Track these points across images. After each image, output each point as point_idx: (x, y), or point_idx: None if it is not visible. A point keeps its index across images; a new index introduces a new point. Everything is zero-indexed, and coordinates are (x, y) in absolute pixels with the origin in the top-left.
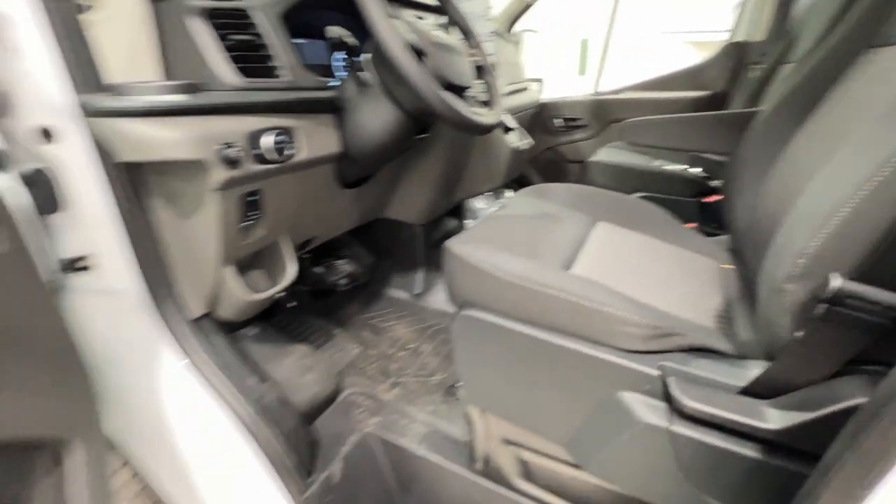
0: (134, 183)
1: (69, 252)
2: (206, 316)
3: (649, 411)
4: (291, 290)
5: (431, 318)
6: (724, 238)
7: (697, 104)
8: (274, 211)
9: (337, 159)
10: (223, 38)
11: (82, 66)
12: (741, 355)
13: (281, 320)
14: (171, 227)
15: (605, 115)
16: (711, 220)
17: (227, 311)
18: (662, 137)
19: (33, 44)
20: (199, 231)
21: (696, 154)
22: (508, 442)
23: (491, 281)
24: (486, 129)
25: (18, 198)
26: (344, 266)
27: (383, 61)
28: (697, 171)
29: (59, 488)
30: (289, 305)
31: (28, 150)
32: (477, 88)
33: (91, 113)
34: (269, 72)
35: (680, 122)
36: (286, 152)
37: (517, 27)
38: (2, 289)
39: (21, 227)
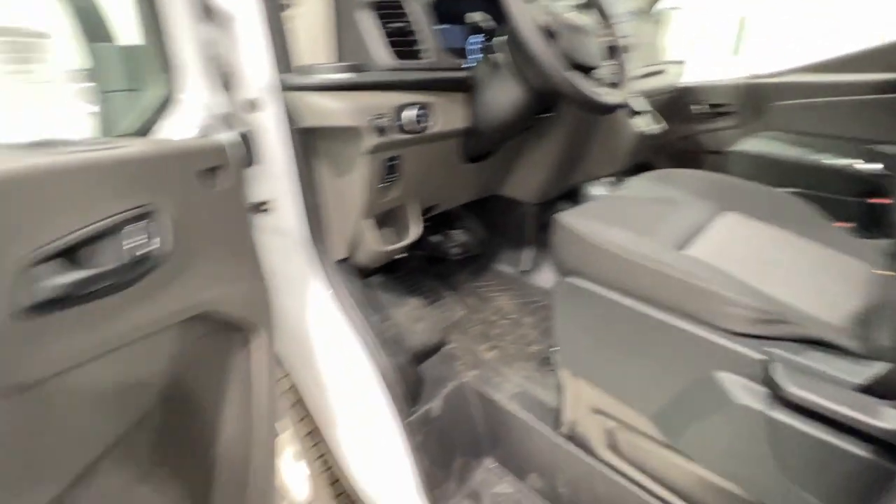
0: (306, 145)
1: (257, 197)
2: (346, 260)
3: (747, 394)
4: (410, 253)
5: (535, 295)
6: (887, 242)
7: (882, 89)
8: (408, 175)
9: (464, 134)
10: (383, 25)
11: (282, 52)
12: (866, 355)
13: (400, 276)
14: (328, 182)
15: (758, 100)
16: (876, 223)
17: (362, 258)
18: (833, 124)
19: (250, 35)
20: (349, 187)
21: (876, 148)
22: (597, 411)
23: (595, 251)
24: (607, 109)
25: (237, 151)
26: (459, 236)
27: (515, 42)
28: (875, 167)
29: (246, 362)
30: (407, 265)
31: (240, 117)
32: (607, 69)
33: (286, 88)
34: (416, 54)
35: (858, 105)
36: (424, 124)
37: (661, 5)
38: (225, 212)
39: (238, 172)
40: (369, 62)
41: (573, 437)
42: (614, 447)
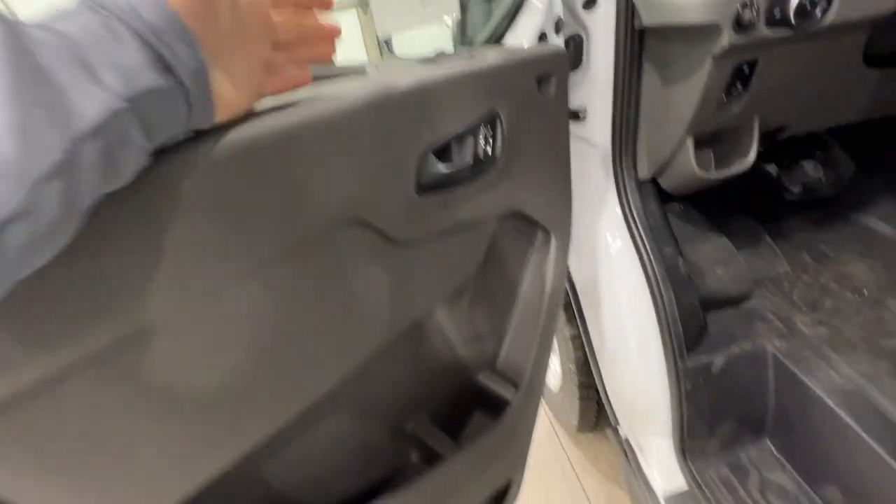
0: (634, 49)
1: (572, 104)
2: (650, 181)
3: None
4: (728, 182)
5: None
6: None
7: None
8: (762, 87)
9: (876, 24)
10: None
11: None
12: None
13: (709, 208)
14: (652, 91)
15: None
16: None
17: (669, 181)
18: None
19: None
20: (678, 97)
21: None
22: None
23: None
24: None
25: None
26: (808, 170)
27: None
28: None
29: (542, 259)
30: (722, 196)
31: (573, 18)
32: None
33: None
34: None
35: None
36: (815, 11)
37: None
38: (548, 119)
39: (565, 78)
40: None
41: None
42: None
